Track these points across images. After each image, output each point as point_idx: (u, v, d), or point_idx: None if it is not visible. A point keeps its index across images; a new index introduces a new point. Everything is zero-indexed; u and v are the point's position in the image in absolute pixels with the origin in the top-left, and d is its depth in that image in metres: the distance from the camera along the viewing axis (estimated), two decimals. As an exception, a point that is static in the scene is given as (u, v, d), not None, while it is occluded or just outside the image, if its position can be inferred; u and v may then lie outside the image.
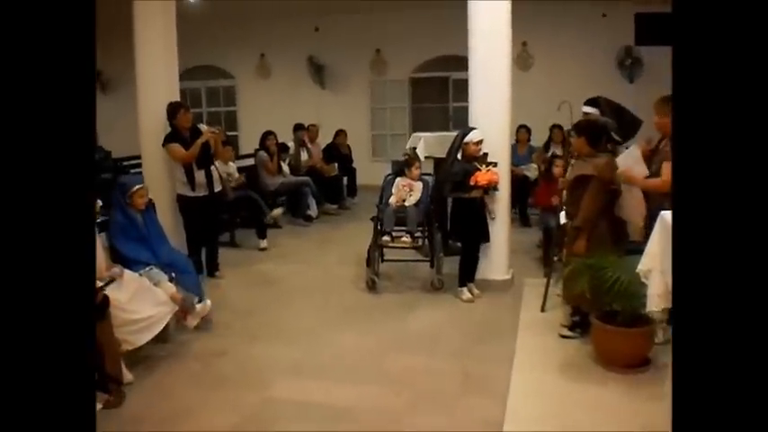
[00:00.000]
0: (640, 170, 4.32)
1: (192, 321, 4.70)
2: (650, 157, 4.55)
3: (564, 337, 4.60)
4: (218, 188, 6.39)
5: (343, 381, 4.10)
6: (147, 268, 4.49)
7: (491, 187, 5.51)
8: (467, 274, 5.75)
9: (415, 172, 6.25)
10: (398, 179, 6.31)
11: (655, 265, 2.98)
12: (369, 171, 11.37)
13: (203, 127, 6.35)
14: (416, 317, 5.27)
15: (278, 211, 8.76)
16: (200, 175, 6.09)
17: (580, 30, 11.58)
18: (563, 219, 4.68)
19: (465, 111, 12.23)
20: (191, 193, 6.08)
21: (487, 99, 5.86)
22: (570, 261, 4.31)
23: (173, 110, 6.11)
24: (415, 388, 3.97)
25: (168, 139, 6.10)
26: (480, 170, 5.46)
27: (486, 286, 5.79)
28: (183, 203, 6.14)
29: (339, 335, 4.87)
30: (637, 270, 3.18)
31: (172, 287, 4.57)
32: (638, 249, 3.66)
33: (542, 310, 5.15)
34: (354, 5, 11.55)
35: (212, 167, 6.30)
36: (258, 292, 6.06)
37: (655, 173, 4.36)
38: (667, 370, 3.96)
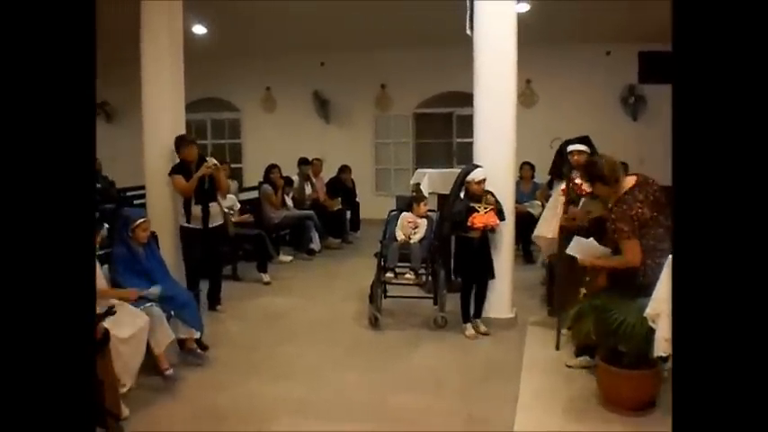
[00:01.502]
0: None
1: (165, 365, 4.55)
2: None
3: (570, 367, 4.63)
4: (218, 222, 6.36)
5: (345, 420, 4.04)
6: (149, 304, 4.44)
7: (489, 229, 5.52)
8: (477, 309, 5.75)
9: (422, 209, 6.25)
10: (404, 215, 6.30)
11: (663, 309, 2.95)
12: (372, 205, 11.40)
13: (211, 160, 6.36)
14: (419, 355, 5.22)
15: (286, 258, 8.76)
16: (196, 209, 6.11)
17: (584, 67, 11.69)
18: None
19: (469, 146, 12.38)
20: (186, 225, 6.15)
21: (492, 136, 5.88)
22: (586, 299, 4.25)
23: (178, 143, 6.24)
24: (417, 429, 3.91)
25: (174, 170, 6.20)
26: (478, 212, 5.47)
27: (490, 324, 5.74)
28: (182, 234, 6.23)
29: (342, 372, 4.81)
30: (645, 314, 3.14)
31: (166, 338, 4.52)
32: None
33: (557, 348, 5.10)
34: (360, 42, 11.68)
35: (213, 202, 6.28)
36: (260, 326, 6.02)
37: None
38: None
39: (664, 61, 11.59)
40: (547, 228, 5.60)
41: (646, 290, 3.90)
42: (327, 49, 12.29)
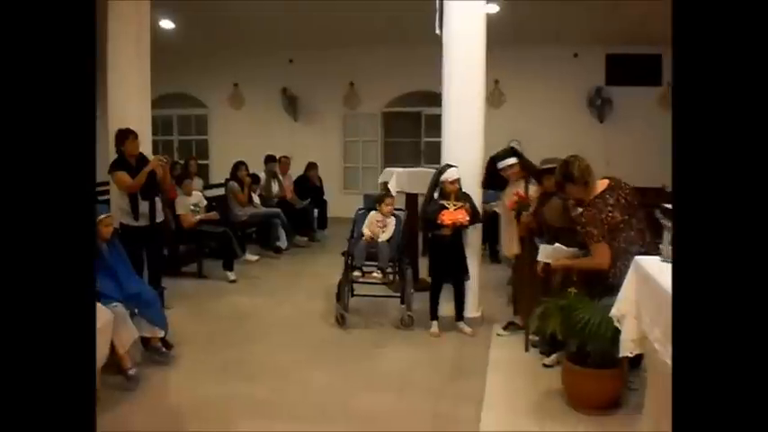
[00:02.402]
0: (566, 253, 4.39)
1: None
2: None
3: (548, 366, 4.72)
4: (160, 219, 6.13)
5: (311, 421, 4.01)
6: (114, 304, 4.36)
7: (462, 226, 5.54)
8: (458, 312, 5.78)
9: (387, 208, 6.23)
10: (372, 213, 6.28)
11: (629, 310, 2.97)
12: (340, 203, 11.38)
13: (154, 157, 6.18)
14: (386, 354, 5.21)
15: (253, 257, 8.69)
16: (143, 205, 5.86)
17: (552, 69, 11.80)
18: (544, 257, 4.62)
19: (437, 146, 12.37)
20: (133, 223, 5.83)
21: (460, 136, 5.90)
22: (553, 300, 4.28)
23: (121, 137, 5.88)
24: (384, 429, 3.89)
25: (114, 167, 5.87)
26: (447, 209, 5.49)
27: (456, 324, 5.75)
28: (125, 233, 5.72)
29: (308, 372, 4.77)
30: (610, 314, 3.17)
31: (130, 337, 4.44)
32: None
33: (526, 349, 5.14)
34: (328, 39, 11.63)
35: (157, 198, 6.05)
36: (226, 325, 5.95)
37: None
38: (637, 411, 3.97)
39: (631, 64, 11.80)
40: (508, 244, 5.65)
41: (614, 291, 3.95)
42: (296, 46, 12.23)
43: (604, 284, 4.04)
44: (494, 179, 5.59)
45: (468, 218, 5.53)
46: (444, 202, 5.56)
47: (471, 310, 5.92)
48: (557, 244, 4.44)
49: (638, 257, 3.03)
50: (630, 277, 3.02)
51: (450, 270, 5.69)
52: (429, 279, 5.91)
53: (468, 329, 5.67)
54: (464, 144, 5.88)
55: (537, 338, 5.13)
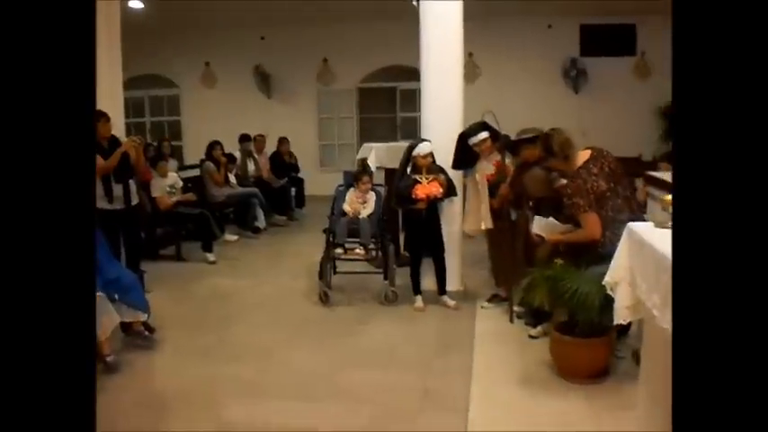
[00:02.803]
0: (559, 228, 4.37)
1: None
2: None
3: (534, 337, 4.74)
4: (135, 201, 6.03)
5: (298, 400, 3.96)
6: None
7: (436, 199, 5.50)
8: (440, 286, 5.74)
9: (364, 186, 6.16)
10: (351, 190, 6.22)
11: (623, 276, 2.95)
12: (317, 181, 11.33)
13: (128, 138, 6.05)
14: (371, 330, 5.17)
15: (232, 237, 8.59)
16: (117, 188, 5.75)
17: (526, 41, 11.77)
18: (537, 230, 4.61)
19: (413, 121, 12.50)
20: (108, 206, 5.67)
21: (438, 110, 5.84)
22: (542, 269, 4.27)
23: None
24: (373, 405, 3.85)
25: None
26: (420, 183, 5.45)
27: (439, 298, 5.73)
28: (101, 217, 5.39)
29: (293, 351, 4.72)
30: (603, 282, 3.15)
31: (111, 323, 4.35)
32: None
33: (511, 321, 5.16)
34: (301, 15, 11.46)
35: (131, 180, 5.95)
36: (207, 307, 5.87)
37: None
38: (626, 379, 3.99)
39: (605, 34, 11.79)
40: (475, 219, 5.52)
41: (604, 259, 3.94)
42: (268, 22, 12.03)
43: (593, 254, 4.03)
44: (465, 156, 5.50)
45: (441, 190, 5.48)
46: (417, 177, 5.51)
47: (454, 284, 5.92)
48: (550, 218, 4.42)
49: (630, 224, 3.01)
50: (623, 244, 2.99)
51: (428, 244, 5.66)
52: (404, 253, 5.89)
53: (451, 303, 5.65)
54: (443, 118, 5.82)
55: (522, 310, 5.14)
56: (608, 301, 3.71)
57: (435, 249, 5.68)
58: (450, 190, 5.56)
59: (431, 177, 5.49)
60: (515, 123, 5.53)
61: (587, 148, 4.17)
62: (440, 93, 5.79)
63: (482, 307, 5.54)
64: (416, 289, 5.71)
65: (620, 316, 3.04)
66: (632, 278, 2.86)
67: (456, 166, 5.62)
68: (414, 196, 5.43)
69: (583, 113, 11.49)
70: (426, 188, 5.45)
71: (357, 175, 6.29)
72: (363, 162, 7.31)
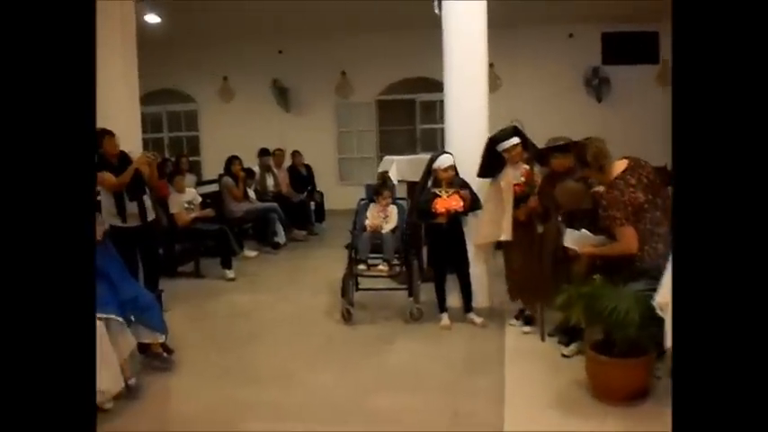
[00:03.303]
0: (593, 241, 4.16)
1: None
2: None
3: (567, 356, 4.56)
4: (152, 217, 5.90)
5: (322, 424, 3.79)
6: (108, 315, 4.06)
7: (457, 213, 5.29)
8: (466, 303, 5.55)
9: (385, 200, 6.00)
10: (372, 205, 6.05)
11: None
12: (336, 195, 11.20)
13: (141, 153, 5.90)
14: (397, 350, 4.99)
15: (251, 253, 8.47)
16: (131, 206, 5.60)
17: (547, 50, 11.59)
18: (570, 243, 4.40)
19: (432, 133, 12.35)
20: (122, 224, 5.55)
21: (462, 120, 5.68)
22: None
23: (97, 137, 5.46)
24: (402, 428, 3.68)
25: (96, 167, 5.45)
26: (440, 196, 5.27)
27: (465, 315, 5.53)
28: (116, 235, 5.26)
29: (316, 372, 4.55)
30: (653, 302, 2.96)
31: (128, 346, 4.20)
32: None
33: (543, 339, 4.96)
34: (318, 28, 11.38)
35: (145, 196, 5.78)
36: (226, 326, 5.73)
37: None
38: (666, 401, 3.78)
39: (627, 42, 11.59)
40: (491, 230, 5.27)
41: (643, 275, 3.76)
42: (285, 36, 11.95)
43: (631, 269, 3.84)
44: (493, 162, 5.24)
45: (462, 204, 5.27)
46: (437, 190, 5.32)
47: (481, 300, 5.71)
48: (583, 230, 4.23)
49: None
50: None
51: (451, 259, 5.46)
52: (428, 268, 5.71)
53: (478, 320, 5.45)
54: (467, 128, 5.66)
55: (554, 327, 4.95)
56: (647, 320, 3.56)
57: (459, 264, 5.49)
58: (473, 203, 5.35)
59: (451, 191, 5.30)
60: (538, 134, 5.35)
61: (624, 158, 3.99)
62: (463, 102, 5.64)
63: (510, 324, 5.34)
64: (442, 306, 5.52)
65: (672, 338, 2.84)
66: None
67: (482, 173, 5.36)
68: (433, 210, 5.26)
69: (606, 122, 11.21)
70: (446, 202, 5.26)
71: (377, 189, 6.13)
72: (384, 175, 7.16)
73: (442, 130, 12.05)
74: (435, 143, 12.18)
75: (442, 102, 11.94)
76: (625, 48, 11.48)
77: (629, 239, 3.78)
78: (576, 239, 4.25)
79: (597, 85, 11.64)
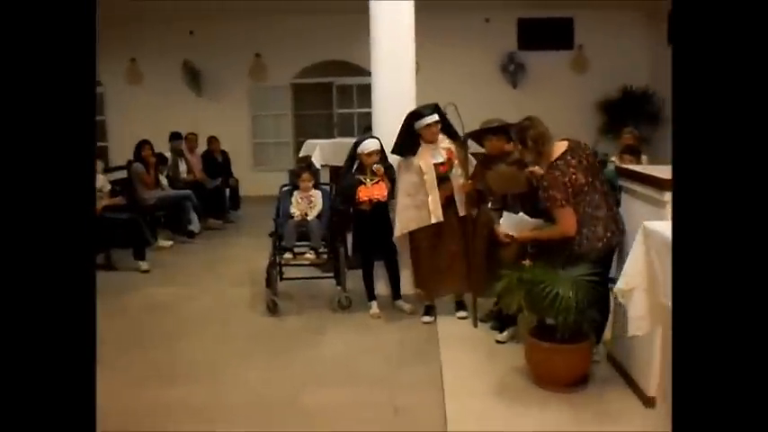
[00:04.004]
0: (530, 224, 4.11)
1: None
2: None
3: (501, 342, 4.49)
4: None
5: (257, 424, 3.56)
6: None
7: (379, 202, 5.11)
8: (394, 290, 5.43)
9: (305, 184, 5.78)
10: (296, 191, 5.82)
11: (639, 283, 2.69)
12: (251, 182, 10.89)
13: None
14: (328, 341, 4.81)
15: (166, 243, 8.06)
16: None
17: (463, 34, 11.57)
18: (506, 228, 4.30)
19: (350, 117, 12.15)
20: None
21: (390, 105, 5.50)
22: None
23: None
24: (341, 427, 3.51)
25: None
26: (364, 184, 5.09)
27: (394, 303, 5.41)
28: None
29: (246, 369, 4.30)
30: (615, 289, 2.89)
31: None
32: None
33: (475, 325, 4.87)
34: (231, 8, 10.95)
35: None
36: (145, 321, 5.38)
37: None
38: (607, 385, 3.77)
39: (542, 28, 11.71)
40: (415, 215, 4.92)
41: (580, 259, 3.71)
42: (196, 15, 11.45)
43: (569, 253, 3.79)
44: (410, 140, 4.97)
45: (385, 194, 5.10)
46: (360, 177, 5.13)
47: (409, 286, 5.56)
48: (521, 214, 4.16)
49: (647, 224, 2.75)
50: (639, 246, 2.73)
51: (377, 247, 5.28)
52: (354, 256, 5.52)
53: (407, 307, 5.34)
54: (395, 112, 5.44)
55: (484, 314, 4.89)
56: (587, 305, 3.52)
57: (387, 252, 5.31)
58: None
59: (375, 179, 5.12)
60: (455, 119, 5.25)
61: (563, 139, 3.93)
62: (391, 85, 5.47)
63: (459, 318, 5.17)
64: (371, 295, 5.37)
65: (636, 328, 2.79)
66: (650, 284, 2.59)
67: (398, 150, 5.08)
68: (356, 198, 5.09)
69: (521, 108, 11.20)
70: (369, 190, 5.09)
71: (298, 173, 5.90)
72: (306, 159, 6.95)
73: (360, 114, 12.14)
74: (353, 128, 12.03)
75: (359, 86, 12.06)
76: (541, 34, 11.61)
77: (567, 221, 3.72)
78: (512, 224, 4.18)
79: (513, 71, 11.73)
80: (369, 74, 11.17)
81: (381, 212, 5.19)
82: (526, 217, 4.13)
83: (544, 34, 11.60)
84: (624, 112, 10.91)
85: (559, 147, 3.84)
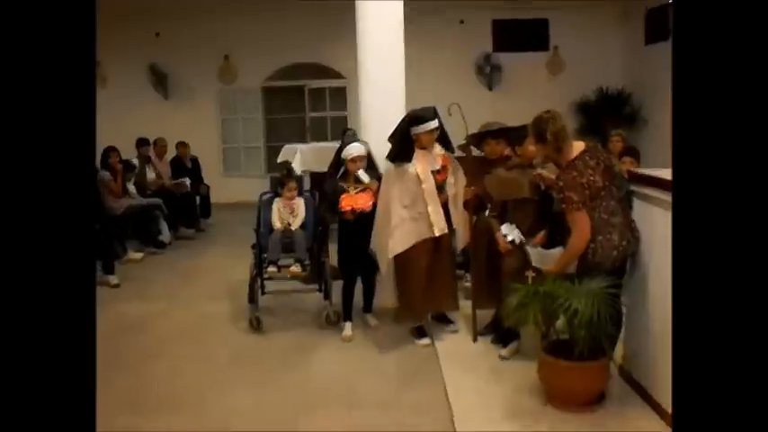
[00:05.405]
0: (556, 256, 3.79)
1: None
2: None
3: (505, 358, 4.25)
4: None
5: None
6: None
7: (363, 212, 4.73)
8: (366, 303, 5.14)
9: (290, 193, 5.43)
10: (277, 199, 5.47)
11: None
12: (221, 188, 10.49)
13: None
14: (320, 361, 4.49)
15: (137, 255, 7.64)
16: None
17: (438, 36, 11.33)
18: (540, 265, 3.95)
19: (322, 121, 11.81)
20: None
21: (380, 109, 5.22)
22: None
23: None
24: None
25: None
26: (348, 192, 4.76)
27: (386, 314, 5.08)
28: None
29: (232, 393, 3.97)
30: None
31: None
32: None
33: (474, 340, 4.61)
34: (199, 9, 10.58)
35: None
36: (117, 341, 4.96)
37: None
38: (627, 402, 3.54)
39: (518, 29, 11.55)
40: (414, 229, 4.49)
41: (595, 269, 3.47)
42: (163, 17, 11.03)
43: (582, 262, 3.54)
44: (406, 145, 4.51)
45: (371, 203, 4.73)
46: (344, 185, 4.81)
47: (391, 299, 5.16)
48: (539, 248, 3.93)
49: None
50: None
51: (360, 260, 4.87)
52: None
53: (373, 322, 5.04)
54: (384, 117, 5.09)
55: (483, 327, 4.65)
56: (606, 319, 3.28)
57: (366, 265, 4.90)
58: None
59: (360, 187, 4.78)
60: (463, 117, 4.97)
61: (581, 141, 3.69)
62: (380, 87, 5.20)
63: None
64: (347, 314, 4.98)
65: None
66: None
67: (395, 156, 4.55)
68: (340, 207, 4.75)
69: (497, 110, 11.08)
70: (352, 199, 4.74)
71: (282, 181, 5.54)
72: (286, 165, 6.62)
73: (333, 118, 11.81)
74: (325, 132, 11.71)
75: (332, 89, 11.76)
76: (516, 35, 11.45)
77: (583, 225, 3.46)
78: (541, 259, 3.91)
79: (489, 73, 11.54)
80: (342, 77, 10.92)
81: (366, 223, 4.77)
82: (543, 250, 3.90)
83: (519, 36, 11.44)
84: (601, 114, 10.79)
85: (577, 146, 3.59)
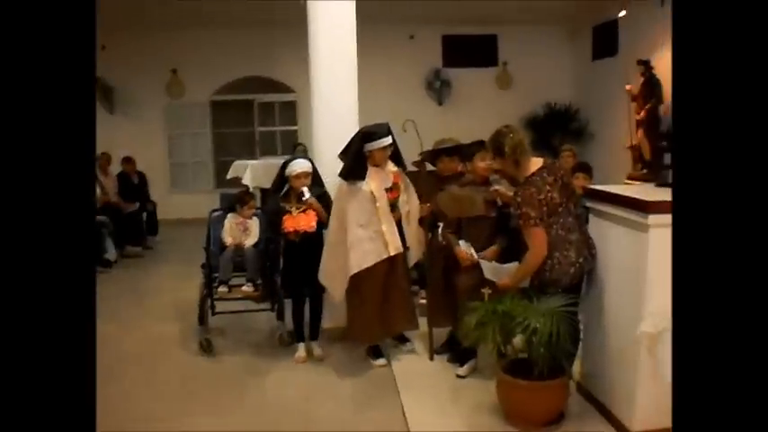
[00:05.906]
0: (510, 270, 3.78)
1: None
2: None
3: (462, 377, 4.22)
4: None
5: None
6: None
7: (306, 233, 4.56)
8: (312, 330, 4.89)
9: (249, 211, 5.31)
10: (230, 216, 5.34)
11: (669, 324, 2.42)
12: (168, 204, 10.28)
13: None
14: (275, 384, 4.38)
15: None
16: None
17: (388, 51, 11.32)
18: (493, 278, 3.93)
19: (272, 136, 11.67)
20: None
21: (331, 123, 5.13)
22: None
23: None
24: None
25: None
26: (290, 213, 4.59)
27: (338, 333, 4.96)
28: None
29: (187, 420, 3.83)
30: (639, 332, 2.62)
31: None
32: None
33: (431, 358, 4.58)
34: (146, 22, 10.36)
35: None
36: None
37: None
38: (586, 419, 3.55)
39: (467, 45, 11.65)
40: (372, 248, 4.37)
41: (551, 285, 3.48)
42: (108, 29, 10.71)
43: (539, 279, 3.54)
44: (358, 162, 4.42)
45: (313, 224, 4.56)
46: (286, 205, 4.64)
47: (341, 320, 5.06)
48: (494, 263, 3.90)
49: None
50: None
51: (303, 281, 4.72)
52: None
53: (319, 353, 4.80)
54: (337, 131, 5.04)
55: (440, 345, 4.62)
56: (564, 338, 3.29)
57: (313, 288, 4.73)
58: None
59: (302, 207, 4.60)
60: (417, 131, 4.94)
61: (538, 157, 3.70)
62: (333, 103, 5.12)
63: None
64: (299, 335, 4.85)
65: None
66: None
67: (348, 174, 4.44)
68: (282, 228, 4.59)
69: (447, 125, 11.11)
70: (294, 220, 4.55)
71: (242, 198, 5.39)
72: (239, 181, 6.49)
73: (282, 132, 11.70)
74: (275, 147, 11.60)
75: (282, 103, 11.64)
76: (465, 50, 11.57)
77: (540, 241, 3.46)
78: (494, 273, 3.89)
79: (439, 88, 11.62)
80: (293, 90, 10.82)
81: (313, 243, 4.62)
82: (498, 265, 3.89)
83: (469, 51, 11.56)
84: (550, 129, 10.96)
85: (536, 162, 3.61)
